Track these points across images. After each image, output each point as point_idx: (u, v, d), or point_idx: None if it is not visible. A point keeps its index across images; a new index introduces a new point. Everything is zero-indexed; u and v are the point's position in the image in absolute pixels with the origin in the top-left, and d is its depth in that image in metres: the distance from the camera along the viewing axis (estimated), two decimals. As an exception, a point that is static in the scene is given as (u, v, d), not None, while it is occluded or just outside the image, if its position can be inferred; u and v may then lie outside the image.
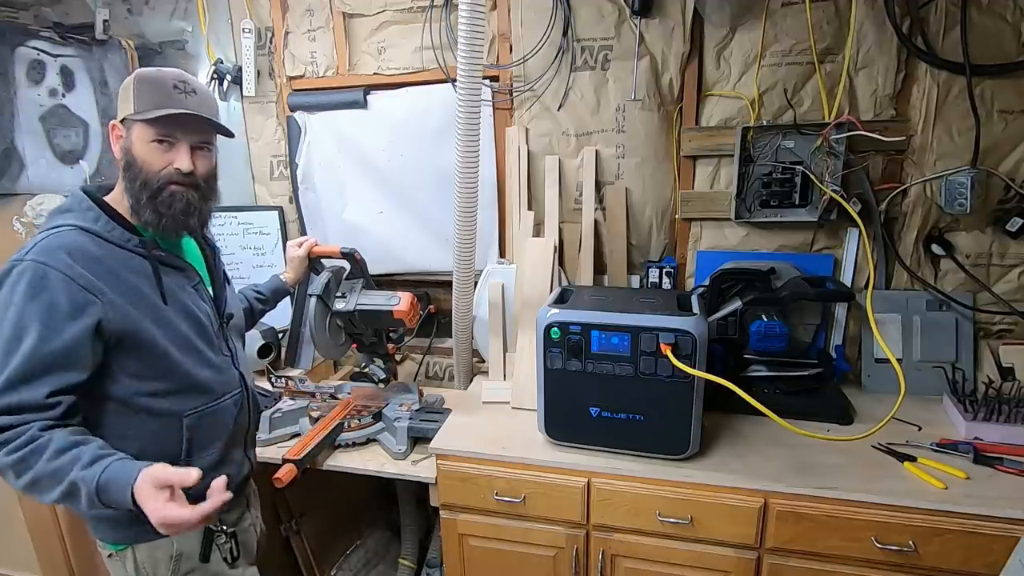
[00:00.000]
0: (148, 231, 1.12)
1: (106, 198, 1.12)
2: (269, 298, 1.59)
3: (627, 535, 1.42)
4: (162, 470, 0.93)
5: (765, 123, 1.66)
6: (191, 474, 0.93)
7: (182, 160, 1.09)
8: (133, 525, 1.11)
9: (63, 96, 2.07)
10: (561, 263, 1.89)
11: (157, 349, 1.08)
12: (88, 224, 1.06)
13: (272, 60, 2.05)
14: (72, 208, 1.08)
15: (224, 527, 1.22)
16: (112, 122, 1.10)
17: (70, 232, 1.04)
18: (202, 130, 1.12)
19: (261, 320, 1.91)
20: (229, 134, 1.18)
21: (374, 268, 1.79)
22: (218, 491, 0.94)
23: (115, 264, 1.05)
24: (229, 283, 1.35)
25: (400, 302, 1.57)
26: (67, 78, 2.07)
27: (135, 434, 1.08)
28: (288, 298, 1.69)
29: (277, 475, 1.42)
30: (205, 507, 0.92)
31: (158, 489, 0.91)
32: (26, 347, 0.97)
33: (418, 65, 1.91)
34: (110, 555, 1.18)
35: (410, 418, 1.62)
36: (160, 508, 0.90)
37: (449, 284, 1.77)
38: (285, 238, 2.17)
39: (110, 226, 1.08)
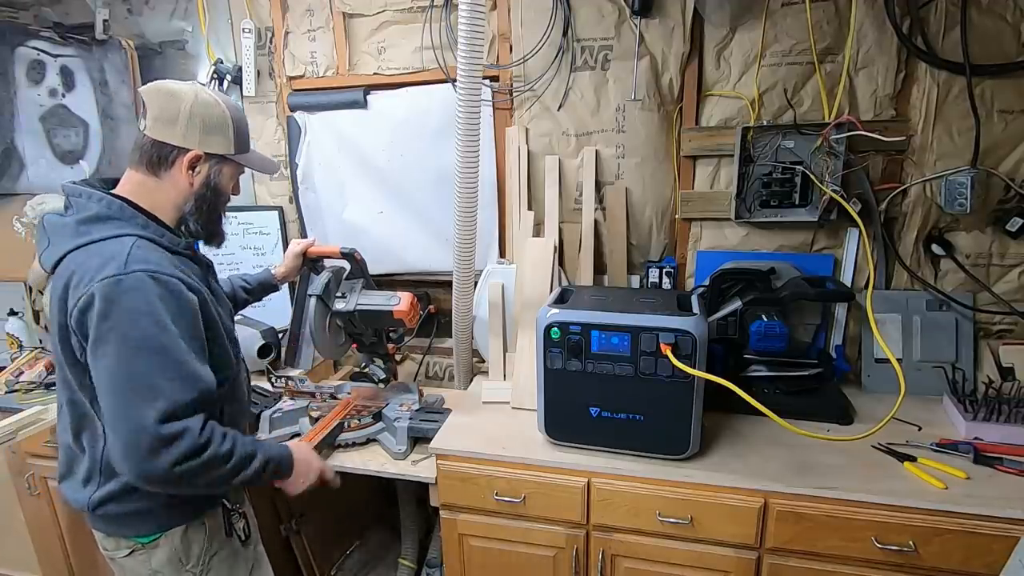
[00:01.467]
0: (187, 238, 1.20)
1: (134, 201, 1.13)
2: (255, 289, 1.61)
3: (627, 535, 1.42)
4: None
5: (765, 123, 1.66)
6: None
7: (238, 188, 1.27)
8: (171, 510, 1.17)
9: (63, 96, 2.07)
10: (561, 263, 1.89)
11: (222, 338, 1.17)
12: (140, 231, 1.09)
13: (272, 60, 2.05)
14: (115, 216, 1.09)
15: (238, 507, 1.26)
16: (196, 152, 1.14)
17: (143, 242, 1.07)
18: None
19: (261, 319, 1.92)
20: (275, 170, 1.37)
21: (374, 268, 1.79)
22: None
23: (181, 265, 1.12)
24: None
25: (400, 302, 1.57)
26: (67, 78, 2.07)
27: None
28: (287, 298, 1.69)
29: (277, 475, 1.42)
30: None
31: (310, 450, 1.35)
32: (179, 349, 1.03)
33: (418, 65, 1.91)
34: (131, 552, 1.18)
35: (410, 418, 1.62)
36: (317, 461, 1.35)
37: (449, 284, 1.77)
38: (285, 238, 2.17)
39: (160, 232, 1.12)
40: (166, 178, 1.14)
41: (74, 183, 1.14)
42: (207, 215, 1.19)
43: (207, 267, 1.26)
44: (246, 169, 1.26)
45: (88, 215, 1.08)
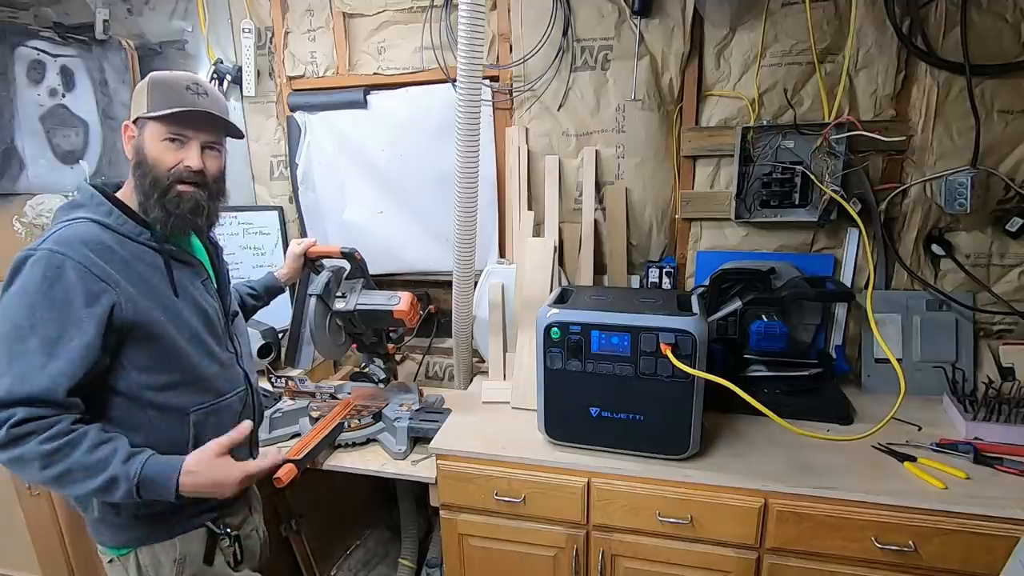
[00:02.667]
0: (157, 227, 1.12)
1: (118, 194, 1.14)
2: (261, 294, 1.60)
3: (627, 535, 1.42)
4: (217, 441, 1.09)
5: (765, 123, 1.66)
6: (245, 425, 1.15)
7: (192, 158, 1.10)
8: (139, 527, 1.12)
9: (63, 96, 2.07)
10: (561, 263, 1.89)
11: (166, 340, 1.09)
12: (101, 217, 1.07)
13: (272, 60, 2.05)
14: (84, 203, 1.09)
15: (228, 529, 1.21)
16: (125, 122, 1.12)
17: (84, 224, 1.05)
18: (213, 130, 1.14)
19: (261, 320, 1.92)
20: (239, 134, 1.20)
21: (374, 268, 1.79)
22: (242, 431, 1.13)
23: (128, 256, 1.07)
24: (230, 283, 1.36)
25: (400, 302, 1.57)
26: (67, 78, 2.07)
27: (141, 429, 1.08)
28: (287, 297, 1.69)
29: (277, 475, 1.42)
30: (269, 456, 1.17)
31: (222, 457, 1.08)
32: (44, 337, 0.98)
33: (418, 65, 1.91)
34: (111, 561, 1.17)
35: (410, 418, 1.62)
36: (235, 469, 1.09)
37: (449, 284, 1.77)
38: (285, 238, 2.17)
39: (122, 220, 1.09)
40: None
41: (91, 182, 1.15)
42: (148, 188, 1.08)
43: (185, 263, 1.17)
44: (191, 133, 1.10)
45: (67, 203, 1.12)
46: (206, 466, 1.07)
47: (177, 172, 1.10)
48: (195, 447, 1.12)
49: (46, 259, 0.99)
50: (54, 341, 0.98)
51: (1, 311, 1.00)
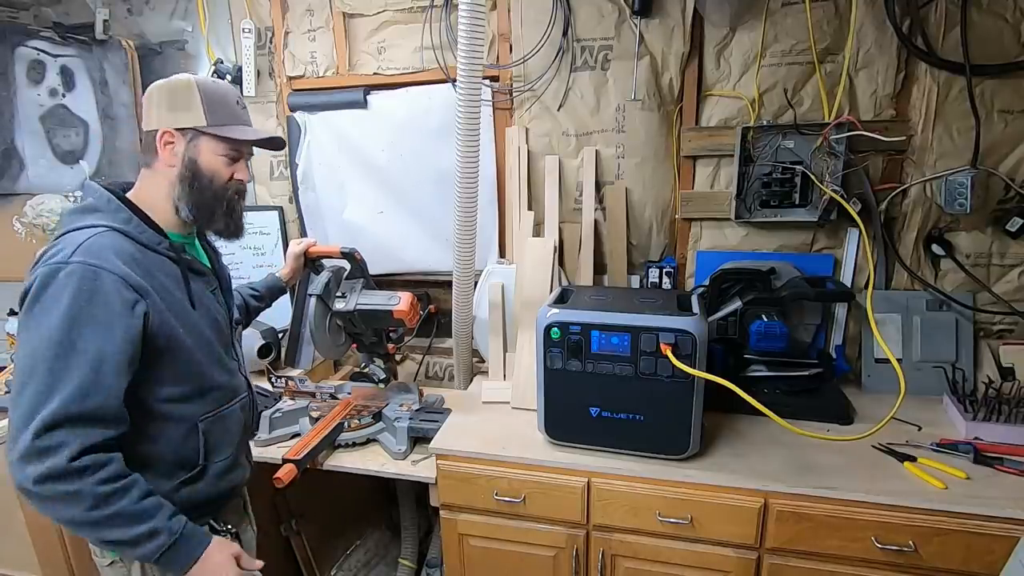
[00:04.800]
0: (174, 235, 1.13)
1: (130, 196, 1.11)
2: (264, 295, 1.59)
3: (627, 535, 1.42)
4: (242, 553, 1.12)
5: (765, 123, 1.66)
6: (256, 564, 1.15)
7: (244, 173, 1.17)
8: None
9: (63, 96, 2.07)
10: (561, 263, 1.89)
11: (185, 352, 1.08)
12: (120, 225, 1.05)
13: (272, 60, 2.05)
14: (100, 208, 1.06)
15: (228, 526, 1.22)
16: (164, 129, 1.09)
17: (108, 234, 1.02)
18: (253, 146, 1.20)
19: (261, 320, 1.92)
20: (282, 146, 1.29)
21: (374, 268, 1.79)
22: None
23: (150, 266, 1.05)
24: (231, 287, 1.36)
25: (400, 302, 1.57)
26: (67, 78, 2.07)
27: (153, 440, 1.08)
28: (287, 298, 1.69)
29: (277, 475, 1.42)
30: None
31: (231, 557, 1.08)
32: (88, 354, 0.95)
33: (418, 65, 1.91)
34: (111, 563, 1.14)
35: (410, 418, 1.62)
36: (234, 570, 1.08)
37: (449, 284, 1.77)
38: (285, 238, 2.17)
39: (141, 228, 1.07)
40: (156, 167, 1.11)
41: (95, 181, 1.12)
42: (195, 197, 1.11)
43: (198, 273, 1.17)
44: (246, 149, 1.17)
45: (80, 206, 1.08)
46: (224, 556, 1.07)
47: (233, 186, 1.15)
48: (205, 455, 1.14)
49: (80, 272, 0.96)
50: (99, 357, 0.95)
51: (34, 327, 0.95)
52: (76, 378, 0.94)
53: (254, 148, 1.22)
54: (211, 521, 1.19)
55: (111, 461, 0.97)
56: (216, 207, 1.13)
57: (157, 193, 1.11)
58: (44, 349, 0.94)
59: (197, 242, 1.23)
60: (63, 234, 1.03)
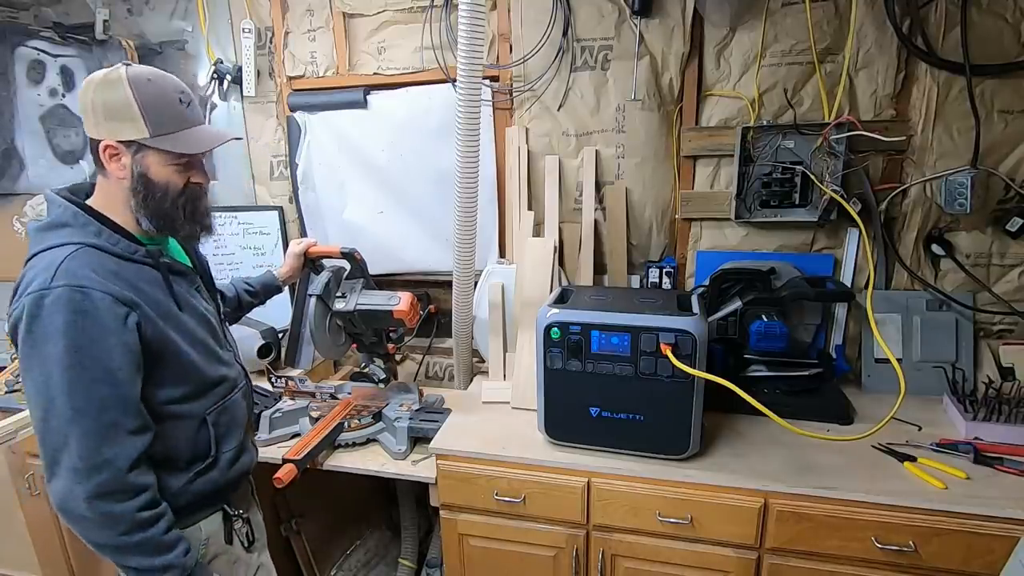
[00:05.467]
0: (146, 239, 1.10)
1: (93, 205, 1.07)
2: (259, 291, 1.57)
3: (627, 535, 1.42)
4: None
5: (765, 123, 1.66)
6: None
7: (200, 176, 1.13)
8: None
9: (63, 96, 2.07)
10: (561, 263, 1.89)
11: (181, 355, 1.09)
12: (92, 240, 1.02)
13: (272, 60, 2.05)
14: (68, 223, 1.03)
15: (240, 512, 1.24)
16: (106, 142, 1.03)
17: (83, 251, 1.00)
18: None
19: (261, 320, 1.92)
20: (235, 137, 1.20)
21: (374, 268, 1.79)
22: None
23: (130, 276, 1.04)
24: (212, 277, 1.35)
25: (400, 302, 1.57)
26: (67, 78, 2.07)
27: (167, 438, 1.09)
28: (287, 298, 1.69)
29: (277, 475, 1.42)
30: None
31: None
32: (100, 371, 0.96)
33: (418, 65, 1.91)
34: None
35: (410, 418, 1.62)
36: None
37: (449, 284, 1.77)
38: (285, 238, 2.17)
39: (114, 239, 1.05)
40: (108, 175, 1.06)
41: (56, 190, 1.08)
42: (152, 209, 1.06)
43: (180, 274, 1.15)
44: (199, 156, 1.11)
45: (46, 222, 1.04)
46: None
47: (191, 191, 1.11)
48: (217, 448, 1.16)
49: (66, 296, 0.95)
50: (110, 374, 0.97)
51: (36, 361, 0.95)
52: (96, 397, 0.96)
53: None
54: (225, 507, 1.21)
55: (149, 487, 1.02)
56: (175, 216, 1.09)
57: (116, 201, 1.07)
58: (57, 378, 0.95)
59: (172, 239, 1.21)
60: (34, 255, 1.01)
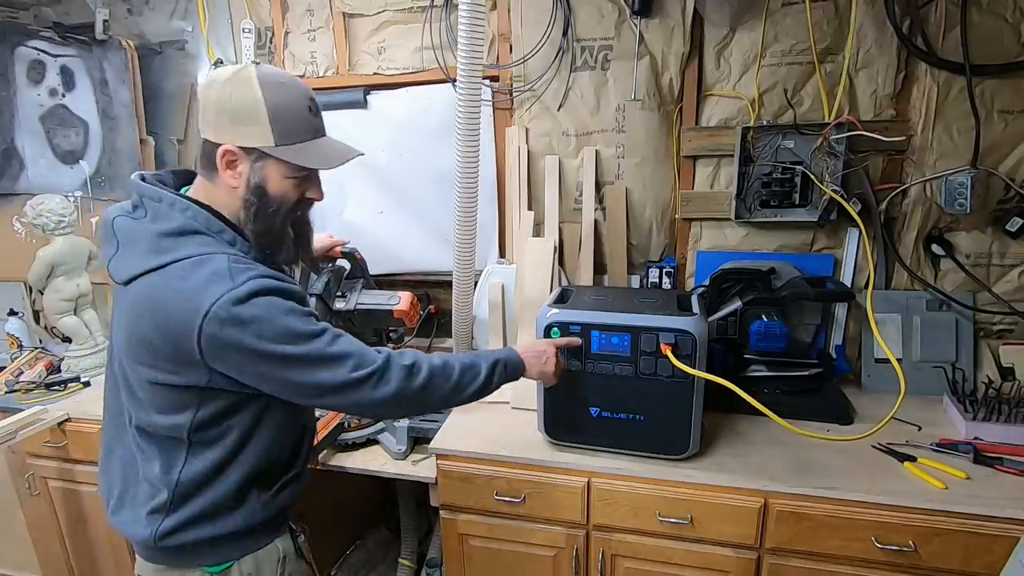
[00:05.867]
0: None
1: (209, 204, 1.00)
2: None
3: (627, 535, 1.42)
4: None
5: (765, 123, 1.66)
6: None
7: (317, 192, 1.06)
8: (242, 536, 1.09)
9: (63, 96, 2.07)
10: (561, 263, 1.89)
11: None
12: (228, 249, 0.97)
13: (272, 60, 2.05)
14: (201, 230, 0.96)
15: (301, 523, 1.23)
16: (226, 146, 0.95)
17: (233, 258, 0.95)
18: None
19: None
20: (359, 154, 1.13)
21: (374, 268, 1.79)
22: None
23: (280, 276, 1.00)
24: None
25: (400, 302, 1.57)
26: (67, 78, 2.07)
27: (271, 445, 1.07)
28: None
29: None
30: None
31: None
32: (315, 327, 0.97)
33: (418, 65, 1.91)
34: None
35: (410, 418, 1.62)
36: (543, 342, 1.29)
37: (449, 284, 1.77)
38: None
39: (246, 247, 1.00)
40: (218, 181, 0.99)
41: (146, 180, 0.99)
42: (259, 226, 0.99)
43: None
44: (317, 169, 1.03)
45: (173, 227, 0.95)
46: (529, 345, 1.26)
47: (302, 206, 1.06)
48: (306, 454, 1.17)
49: (261, 285, 0.92)
50: (322, 328, 0.98)
51: (274, 358, 0.93)
52: (337, 351, 0.98)
53: None
54: (291, 524, 1.20)
55: (417, 352, 1.07)
56: (283, 237, 1.03)
57: (225, 208, 1.00)
58: (295, 366, 0.95)
59: None
60: (169, 263, 0.93)
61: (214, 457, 1.01)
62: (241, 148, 0.96)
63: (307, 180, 1.03)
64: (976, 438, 1.41)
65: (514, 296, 1.85)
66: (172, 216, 0.96)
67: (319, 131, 1.02)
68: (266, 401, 1.02)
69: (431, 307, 2.10)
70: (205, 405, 0.98)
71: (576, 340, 1.33)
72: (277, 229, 1.02)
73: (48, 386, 1.91)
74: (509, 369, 1.18)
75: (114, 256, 0.98)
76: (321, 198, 1.07)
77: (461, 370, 1.09)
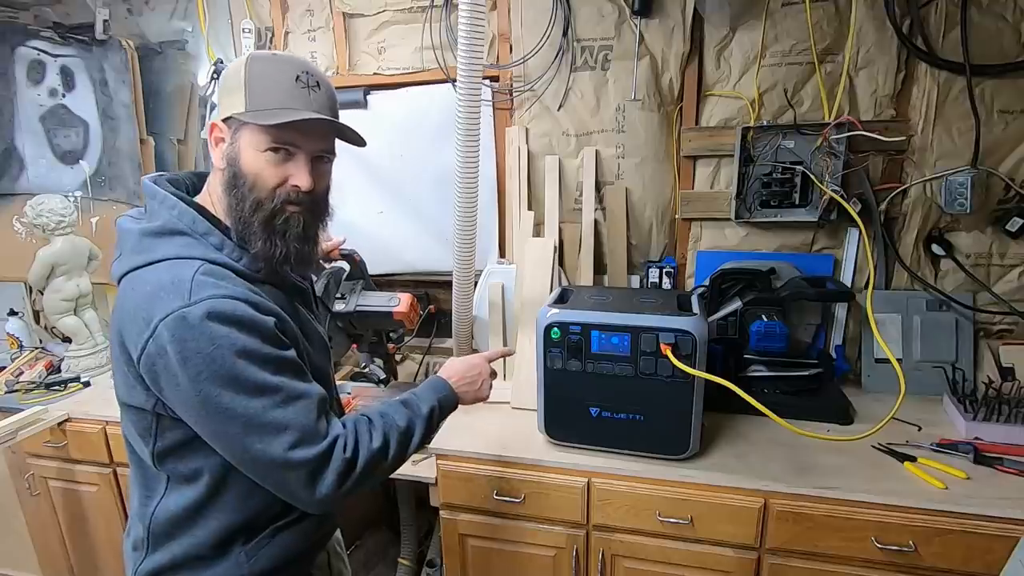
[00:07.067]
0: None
1: (215, 208, 0.91)
2: None
3: (627, 535, 1.42)
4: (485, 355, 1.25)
5: (765, 123, 1.66)
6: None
7: (301, 176, 0.88)
8: (298, 563, 1.03)
9: (63, 96, 2.07)
10: (561, 263, 1.89)
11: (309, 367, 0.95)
12: (211, 254, 0.86)
13: (272, 60, 2.05)
14: (184, 230, 0.86)
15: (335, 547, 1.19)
16: (212, 121, 0.89)
17: (205, 266, 0.84)
18: (327, 136, 0.92)
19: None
20: (361, 142, 0.95)
21: (374, 268, 1.79)
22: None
23: (260, 301, 0.87)
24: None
25: (399, 303, 1.57)
26: (67, 78, 2.07)
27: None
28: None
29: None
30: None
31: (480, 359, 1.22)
32: (272, 364, 0.83)
33: (418, 65, 1.91)
34: None
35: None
36: (476, 357, 1.24)
37: (449, 284, 1.77)
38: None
39: (237, 254, 0.88)
40: (214, 170, 0.91)
41: (156, 180, 0.91)
42: (248, 215, 0.87)
43: (301, 292, 1.01)
44: (305, 150, 0.88)
45: (154, 226, 0.86)
46: (458, 367, 1.19)
47: (283, 194, 0.88)
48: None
49: (218, 307, 0.80)
50: (284, 364, 0.86)
51: (211, 386, 0.80)
52: (285, 400, 0.84)
53: (334, 148, 0.95)
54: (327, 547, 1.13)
55: (352, 426, 0.92)
56: (253, 220, 0.87)
57: (220, 201, 0.91)
58: (235, 399, 0.81)
59: None
60: (146, 264, 0.84)
61: (192, 496, 0.90)
62: (224, 122, 0.88)
63: (287, 159, 0.88)
64: (976, 438, 1.41)
65: (514, 296, 1.85)
66: (159, 214, 0.87)
67: (307, 104, 0.87)
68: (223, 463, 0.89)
69: (431, 307, 2.10)
70: (162, 433, 0.88)
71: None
72: (247, 214, 0.87)
73: (48, 386, 1.91)
74: (444, 410, 1.10)
75: (116, 259, 0.92)
76: (306, 184, 0.88)
77: (397, 440, 0.96)
